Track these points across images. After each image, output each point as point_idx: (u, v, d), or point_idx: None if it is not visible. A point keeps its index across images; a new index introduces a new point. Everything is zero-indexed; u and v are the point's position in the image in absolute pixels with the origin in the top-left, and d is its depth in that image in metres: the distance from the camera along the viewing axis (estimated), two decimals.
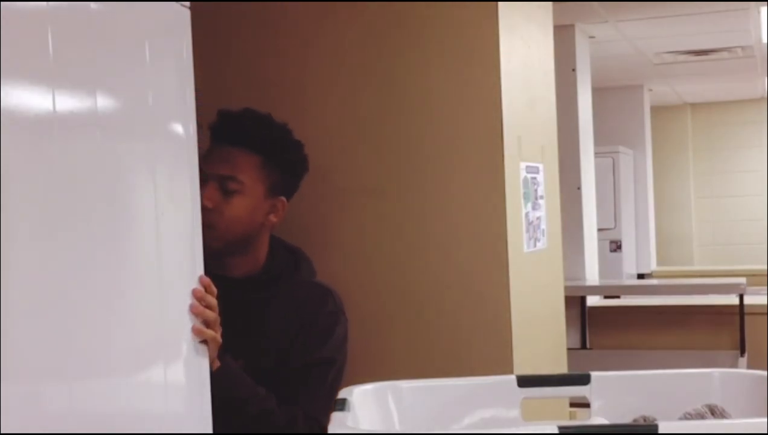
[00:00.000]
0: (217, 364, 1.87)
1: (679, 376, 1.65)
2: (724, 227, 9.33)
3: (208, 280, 1.72)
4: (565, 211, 3.52)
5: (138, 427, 1.45)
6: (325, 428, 1.32)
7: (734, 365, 4.83)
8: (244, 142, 2.09)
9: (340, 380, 2.16)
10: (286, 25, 2.77)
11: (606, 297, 5.96)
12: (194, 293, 1.66)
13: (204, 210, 1.80)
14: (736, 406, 1.52)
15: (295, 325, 2.14)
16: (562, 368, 3.13)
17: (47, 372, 1.26)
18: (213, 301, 1.74)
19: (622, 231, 7.23)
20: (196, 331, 1.66)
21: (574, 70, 5.45)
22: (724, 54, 6.49)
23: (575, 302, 5.41)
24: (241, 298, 2.10)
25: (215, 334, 1.75)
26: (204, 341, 1.70)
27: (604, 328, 5.50)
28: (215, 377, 1.75)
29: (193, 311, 1.65)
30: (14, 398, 1.18)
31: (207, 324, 1.70)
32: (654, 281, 7.26)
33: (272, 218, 2.14)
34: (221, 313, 1.76)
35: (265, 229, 2.14)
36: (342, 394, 1.44)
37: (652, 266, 7.94)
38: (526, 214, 2.77)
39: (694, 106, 9.32)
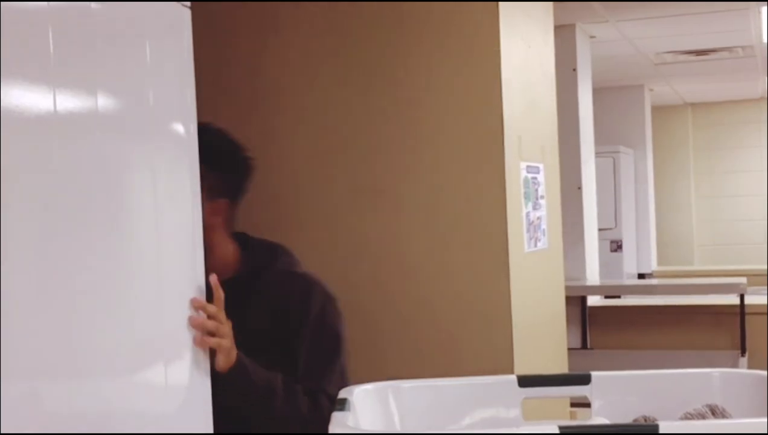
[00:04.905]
0: (230, 363, 1.86)
1: (679, 376, 1.65)
2: (724, 227, 9.31)
3: (214, 278, 1.74)
4: (566, 211, 3.52)
5: (138, 427, 1.45)
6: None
7: (734, 365, 4.82)
8: None
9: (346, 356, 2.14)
10: (287, 26, 2.77)
11: (606, 297, 5.96)
12: (193, 303, 1.67)
13: None
14: (737, 406, 1.52)
15: (285, 320, 2.09)
16: (562, 368, 3.13)
17: (47, 372, 1.26)
18: (213, 308, 1.74)
19: (623, 231, 7.22)
20: (198, 343, 1.67)
21: (574, 70, 5.44)
22: (724, 54, 6.49)
23: (576, 302, 5.41)
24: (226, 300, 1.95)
25: (220, 341, 1.76)
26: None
27: (605, 328, 5.50)
28: (232, 375, 1.81)
29: (192, 324, 1.66)
30: (14, 398, 1.18)
31: (211, 333, 1.72)
32: (654, 281, 7.26)
33: (214, 220, 2.04)
34: None
35: (210, 230, 1.94)
36: (342, 393, 1.44)
37: (653, 266, 7.94)
38: (527, 214, 2.77)
39: (695, 105, 9.31)
